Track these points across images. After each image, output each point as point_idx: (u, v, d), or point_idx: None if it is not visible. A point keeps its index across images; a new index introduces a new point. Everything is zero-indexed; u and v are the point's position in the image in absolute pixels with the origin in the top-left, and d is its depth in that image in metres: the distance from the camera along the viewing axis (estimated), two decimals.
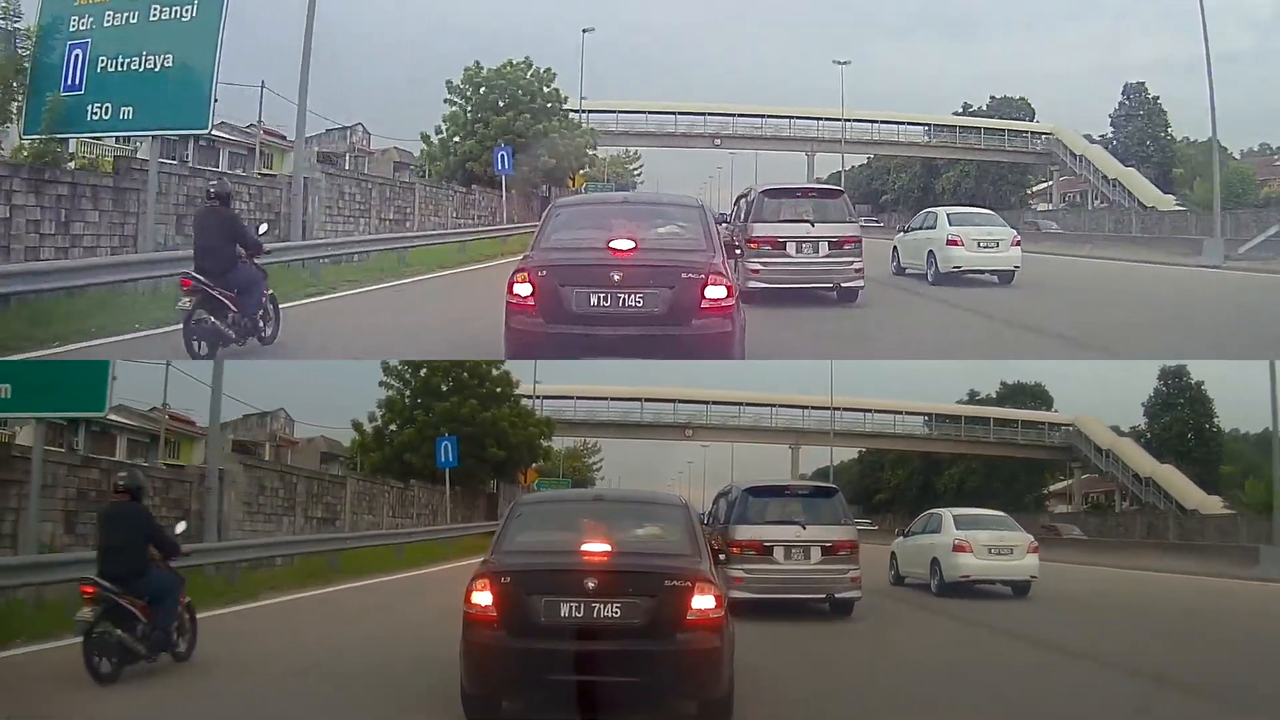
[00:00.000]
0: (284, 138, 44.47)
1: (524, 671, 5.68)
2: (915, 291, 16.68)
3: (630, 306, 7.50)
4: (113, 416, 34.98)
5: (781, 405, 55.56)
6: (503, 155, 28.67)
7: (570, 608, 5.68)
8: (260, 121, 39.03)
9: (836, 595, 11.66)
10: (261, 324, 10.05)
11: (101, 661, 7.10)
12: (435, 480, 27.79)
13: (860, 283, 14.43)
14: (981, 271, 17.43)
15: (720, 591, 5.89)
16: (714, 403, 55.68)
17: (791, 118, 59.53)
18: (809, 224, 14.41)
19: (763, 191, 15.08)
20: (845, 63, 59.01)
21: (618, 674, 5.61)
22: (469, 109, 36.34)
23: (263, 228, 11.44)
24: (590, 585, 5.69)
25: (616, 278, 7.49)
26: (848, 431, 54.95)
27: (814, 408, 53.84)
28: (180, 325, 9.60)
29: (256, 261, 10.01)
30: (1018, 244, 17.87)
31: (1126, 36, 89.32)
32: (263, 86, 39.57)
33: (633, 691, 5.71)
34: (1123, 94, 61.17)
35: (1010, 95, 67.46)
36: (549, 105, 37.30)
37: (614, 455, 72.00)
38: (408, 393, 32.04)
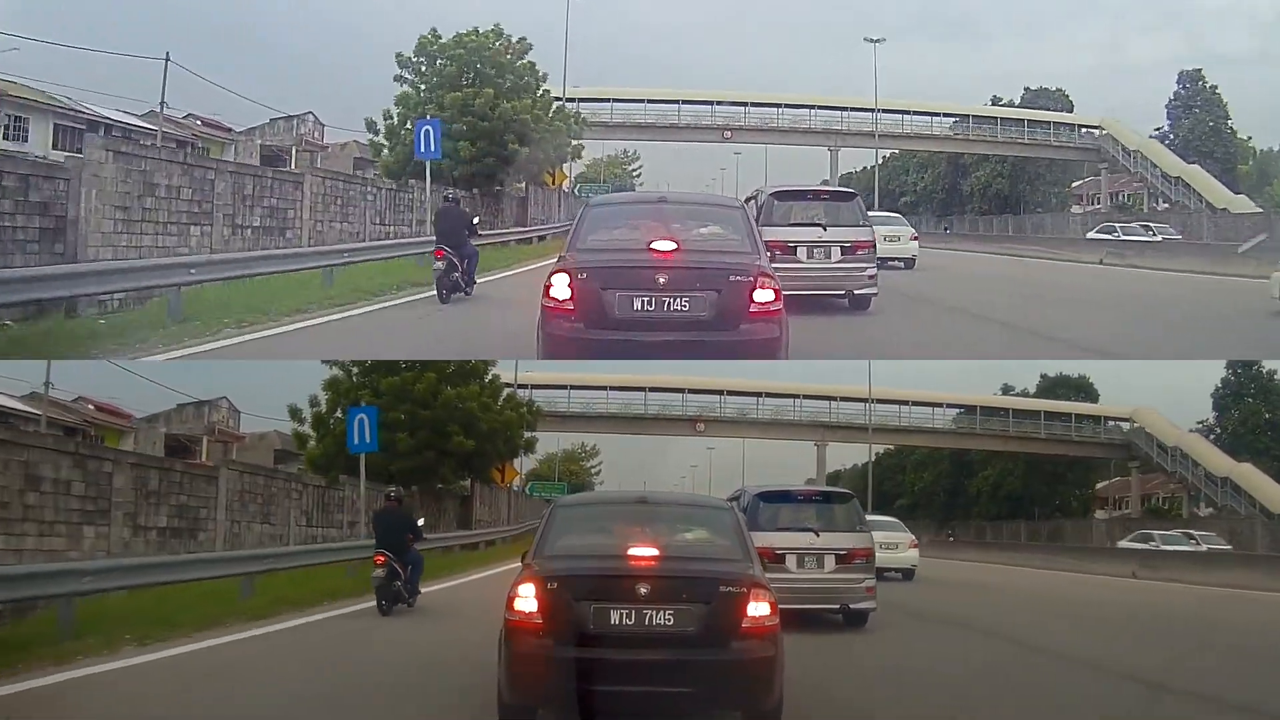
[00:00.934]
0: (228, 130, 39.65)
1: (571, 681, 5.55)
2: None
3: (676, 311, 7.47)
4: (26, 407, 31.93)
5: (807, 396, 50.57)
6: (427, 132, 21.12)
7: (621, 615, 5.64)
8: (164, 103, 33.91)
9: (851, 606, 11.71)
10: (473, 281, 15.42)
11: (384, 603, 11.99)
12: (388, 476, 22.44)
13: (874, 290, 14.36)
14: (888, 259, 20.94)
15: (774, 598, 5.85)
16: (729, 393, 50.38)
17: (812, 107, 55.15)
18: (821, 228, 14.15)
19: (772, 193, 14.97)
20: (879, 40, 53.62)
21: (669, 684, 5.57)
22: (422, 87, 29.70)
23: (475, 219, 16.43)
24: (642, 591, 5.67)
25: (661, 280, 7.46)
26: (881, 427, 49.82)
27: (845, 399, 49.45)
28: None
29: (474, 242, 15.42)
30: (915, 239, 24.57)
31: (1126, 36, 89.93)
32: (167, 59, 34.40)
33: (679, 702, 5.66)
34: (1178, 82, 56.59)
35: (1047, 86, 61.39)
36: (523, 81, 30.89)
37: (611, 455, 67.86)
38: (355, 370, 25.26)
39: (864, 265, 14.07)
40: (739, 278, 7.48)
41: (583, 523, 6.78)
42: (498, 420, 27.42)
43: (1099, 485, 59.34)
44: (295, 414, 25.58)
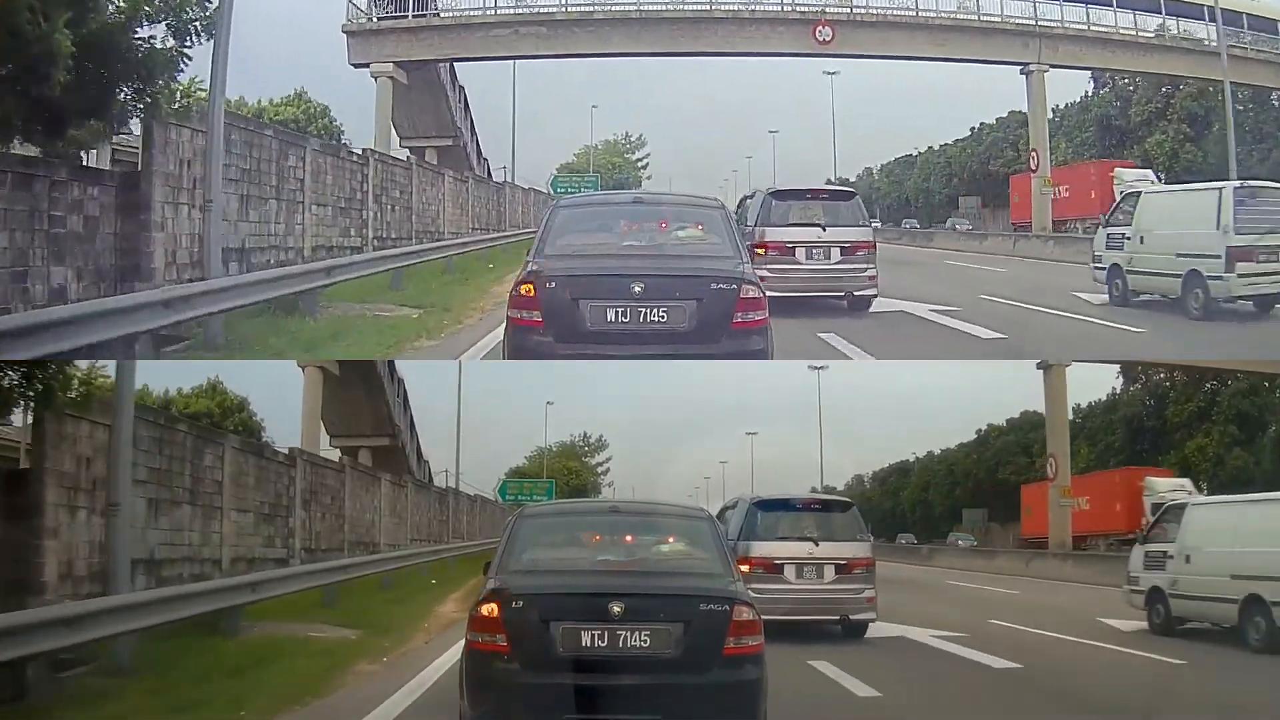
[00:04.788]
0: None
1: (539, 709, 6.54)
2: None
3: (653, 322, 8.44)
4: None
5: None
6: None
7: (593, 636, 6.50)
8: None
9: (851, 617, 14.03)
10: None
11: None
12: None
13: (873, 291, 17.19)
14: None
15: (759, 616, 6.85)
16: None
17: None
18: (820, 228, 17.10)
19: (770, 193, 18.11)
20: None
21: (644, 712, 6.49)
22: None
23: None
24: (615, 610, 6.53)
25: (637, 289, 8.44)
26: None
27: None
28: None
29: None
30: None
31: None
32: None
33: None
34: None
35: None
36: None
37: (621, 453, 63.74)
38: None
39: (864, 266, 17.13)
40: (722, 285, 8.59)
41: (550, 534, 7.96)
42: None
43: None
44: None
